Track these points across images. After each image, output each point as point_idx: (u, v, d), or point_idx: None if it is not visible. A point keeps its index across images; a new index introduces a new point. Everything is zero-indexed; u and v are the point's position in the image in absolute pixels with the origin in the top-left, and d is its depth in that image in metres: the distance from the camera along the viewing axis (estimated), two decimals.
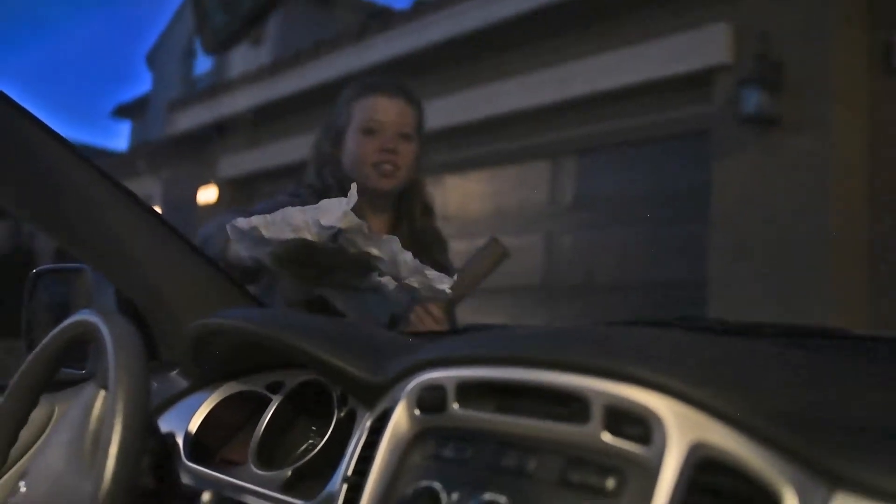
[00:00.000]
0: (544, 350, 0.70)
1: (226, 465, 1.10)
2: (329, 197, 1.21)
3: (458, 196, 7.13)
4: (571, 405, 0.64)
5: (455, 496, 0.68)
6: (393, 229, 1.77)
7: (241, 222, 1.25)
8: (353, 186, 1.18)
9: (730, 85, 5.01)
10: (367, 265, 1.20)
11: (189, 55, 13.63)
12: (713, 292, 4.97)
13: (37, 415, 1.18)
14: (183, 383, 1.27)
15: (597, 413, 0.63)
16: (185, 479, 1.04)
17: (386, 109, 1.76)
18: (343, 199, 1.15)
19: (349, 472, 0.82)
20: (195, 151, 10.21)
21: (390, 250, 1.17)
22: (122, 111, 18.05)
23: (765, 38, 4.80)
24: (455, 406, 0.73)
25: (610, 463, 0.61)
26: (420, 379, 0.77)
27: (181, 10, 14.12)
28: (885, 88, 4.64)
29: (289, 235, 1.17)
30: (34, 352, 0.95)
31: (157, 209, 1.57)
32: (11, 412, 0.95)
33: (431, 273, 1.21)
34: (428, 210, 1.85)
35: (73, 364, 1.37)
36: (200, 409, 1.17)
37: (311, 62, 8.40)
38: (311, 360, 0.99)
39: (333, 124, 1.80)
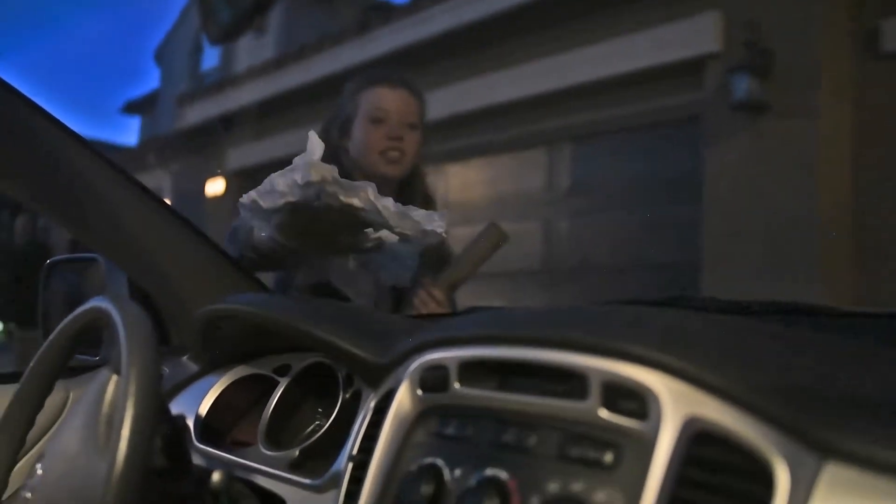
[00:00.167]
0: (543, 329, 0.70)
1: (235, 446, 1.11)
2: None
3: (459, 183, 7.13)
4: (570, 382, 0.64)
5: (458, 472, 0.68)
6: None
7: (244, 197, 1.24)
8: (312, 133, 1.16)
9: (720, 73, 5.00)
10: (355, 218, 1.18)
11: (196, 51, 13.61)
12: (706, 272, 4.97)
13: (52, 400, 1.18)
14: (193, 367, 1.27)
15: (594, 389, 0.62)
16: (197, 460, 1.04)
17: (392, 99, 1.78)
18: (307, 152, 1.14)
19: (355, 451, 0.82)
20: (203, 145, 10.20)
21: (368, 197, 1.15)
22: (132, 107, 18.02)
23: (754, 27, 4.78)
24: (457, 385, 0.73)
25: (607, 438, 0.61)
26: (422, 359, 0.77)
27: (188, 7, 14.09)
28: (871, 74, 4.63)
29: (279, 202, 1.16)
30: (49, 339, 0.95)
31: (168, 201, 1.56)
32: (28, 397, 0.95)
33: (418, 214, 1.19)
34: (428, 199, 1.85)
35: (87, 351, 1.37)
36: (210, 393, 1.17)
37: (315, 56, 8.38)
38: (317, 343, 0.99)
39: (340, 114, 1.80)
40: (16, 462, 0.96)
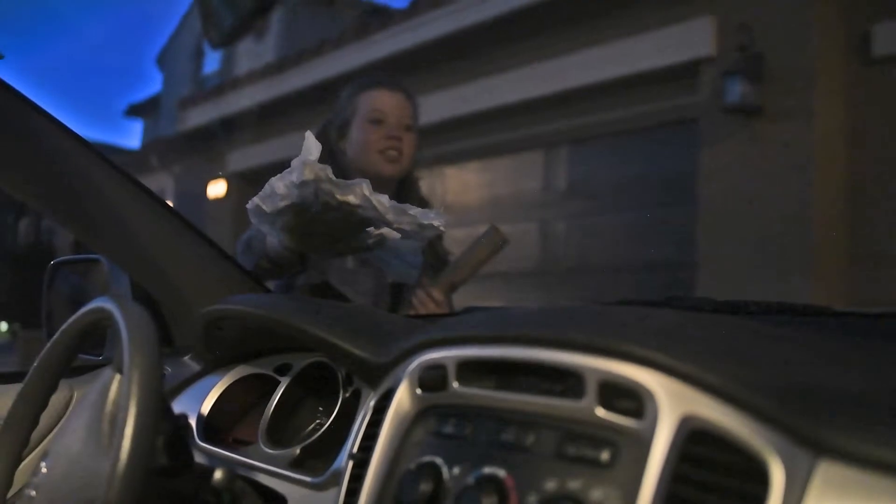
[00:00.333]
0: (541, 329, 0.70)
1: (237, 445, 1.11)
2: None
3: (457, 186, 7.12)
4: (567, 381, 0.64)
5: (456, 470, 0.68)
6: None
7: (250, 203, 1.24)
8: (309, 135, 1.16)
9: (714, 76, 5.00)
10: (353, 216, 1.19)
11: (198, 55, 13.60)
12: (701, 273, 4.97)
13: (57, 399, 1.18)
14: (196, 367, 1.27)
15: (591, 389, 0.62)
16: (199, 458, 1.04)
17: (390, 102, 1.80)
18: (303, 153, 1.14)
19: (355, 449, 0.82)
20: (205, 147, 10.19)
21: (363, 193, 1.16)
22: (135, 110, 18.02)
23: (747, 31, 4.78)
24: (455, 384, 0.73)
25: (604, 436, 0.61)
26: (421, 359, 0.77)
27: (189, 13, 14.09)
28: (863, 77, 4.63)
29: (280, 204, 1.16)
30: (52, 339, 0.95)
31: (170, 202, 1.57)
32: (32, 396, 0.95)
33: (415, 210, 1.19)
34: (424, 202, 1.87)
35: (91, 350, 1.37)
36: (212, 392, 1.17)
37: (314, 60, 8.37)
38: (318, 343, 0.99)
39: (338, 116, 1.82)
40: (20, 460, 0.95)
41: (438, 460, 0.70)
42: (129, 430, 0.68)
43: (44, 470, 0.88)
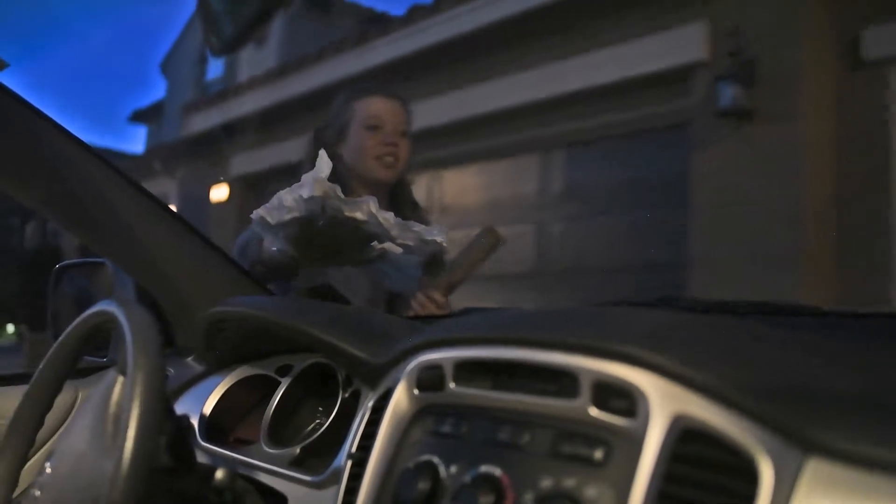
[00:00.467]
0: (536, 330, 0.70)
1: (238, 444, 1.11)
2: None
3: (455, 188, 7.13)
4: (561, 381, 0.64)
5: (453, 469, 0.68)
6: None
7: (254, 214, 1.26)
8: (322, 154, 1.18)
9: (707, 81, 5.01)
10: (359, 231, 1.20)
11: (201, 62, 13.60)
12: (694, 273, 4.97)
13: (62, 400, 1.18)
14: (198, 368, 1.27)
15: (585, 389, 0.63)
16: (201, 458, 1.04)
17: (387, 109, 1.81)
18: (315, 170, 1.16)
19: (354, 449, 0.82)
20: (208, 152, 10.19)
21: (370, 211, 1.17)
22: (139, 116, 18.01)
23: (738, 37, 4.79)
24: (452, 385, 0.73)
25: (598, 435, 0.61)
26: (419, 360, 0.77)
27: (193, 20, 14.08)
28: (851, 81, 4.64)
29: (286, 217, 1.18)
30: (58, 341, 0.95)
31: (173, 207, 1.57)
32: (37, 397, 0.95)
33: (419, 227, 1.22)
34: (415, 204, 1.88)
35: (96, 352, 1.37)
36: (214, 392, 1.17)
37: (315, 66, 8.38)
38: (318, 344, 0.99)
39: (334, 122, 1.82)
40: (26, 460, 0.95)
41: (436, 459, 0.70)
42: (132, 431, 0.68)
43: (49, 470, 0.88)
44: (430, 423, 0.74)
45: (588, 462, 0.60)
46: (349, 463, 0.81)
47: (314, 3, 11.34)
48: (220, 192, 9.76)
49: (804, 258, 4.57)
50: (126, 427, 0.69)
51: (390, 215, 1.21)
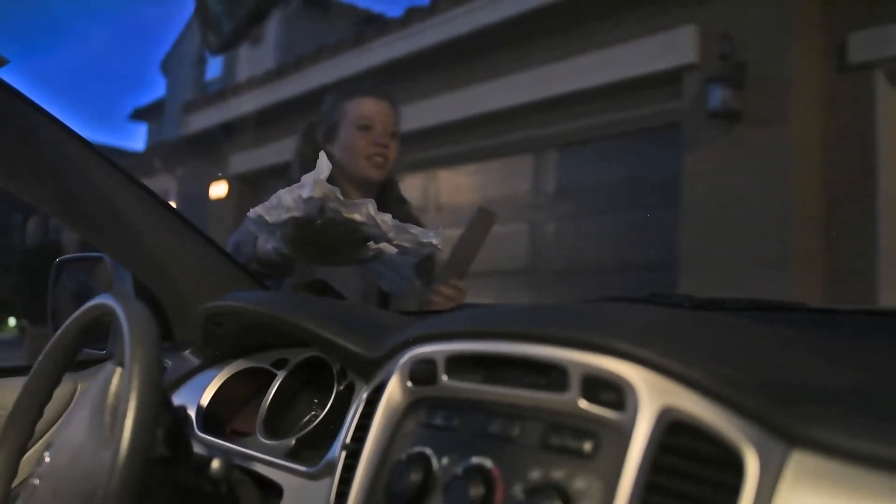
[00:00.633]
0: (527, 325, 0.70)
1: (235, 436, 1.10)
2: None
3: (450, 188, 7.13)
4: (551, 375, 0.64)
5: (445, 460, 0.68)
6: None
7: (251, 213, 1.26)
8: (322, 155, 1.19)
9: (697, 83, 5.01)
10: (356, 232, 1.21)
11: (200, 61, 13.58)
12: (683, 272, 4.98)
13: (61, 392, 1.18)
14: (195, 361, 1.27)
15: (575, 382, 0.63)
16: (198, 449, 1.04)
17: (378, 110, 1.82)
18: (315, 171, 1.17)
19: (348, 440, 0.82)
20: (207, 150, 10.17)
21: (368, 213, 1.18)
22: (139, 114, 17.99)
23: (729, 40, 4.79)
24: (444, 378, 0.73)
25: (587, 427, 0.61)
26: (412, 353, 0.77)
27: (192, 20, 14.05)
28: (839, 84, 4.65)
29: (284, 216, 1.18)
30: (56, 334, 0.94)
31: (173, 203, 1.57)
32: (36, 389, 0.95)
33: (415, 229, 1.22)
34: (403, 200, 1.89)
35: (95, 345, 1.37)
36: (211, 385, 1.17)
37: (312, 67, 8.36)
38: (313, 338, 0.99)
39: (324, 121, 1.82)
40: (25, 451, 0.95)
41: (428, 451, 0.70)
42: (129, 422, 0.68)
43: (48, 460, 0.88)
44: (423, 415, 0.74)
45: (577, 454, 0.61)
46: (343, 454, 0.81)
47: (312, 4, 11.33)
48: (219, 190, 9.75)
49: (793, 257, 4.58)
50: (123, 418, 0.69)
51: (388, 217, 1.22)
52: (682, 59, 5.13)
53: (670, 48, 5.19)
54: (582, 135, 6.03)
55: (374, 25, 8.23)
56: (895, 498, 0.46)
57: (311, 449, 0.96)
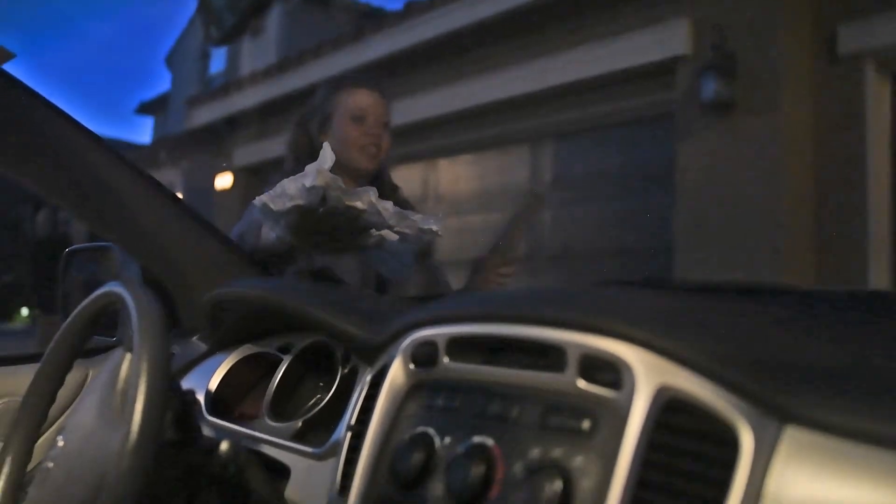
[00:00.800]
0: (525, 308, 0.70)
1: (242, 419, 1.11)
2: None
3: (449, 178, 7.12)
4: (550, 356, 0.64)
5: (447, 440, 0.69)
6: None
7: (257, 201, 1.26)
8: (326, 146, 1.19)
9: (690, 74, 5.00)
10: (358, 220, 1.21)
11: (204, 56, 13.54)
12: (678, 257, 4.98)
13: (72, 378, 1.18)
14: (203, 347, 1.27)
15: (572, 362, 0.63)
16: (207, 432, 1.04)
17: (371, 101, 1.81)
18: (319, 161, 1.17)
19: (352, 422, 0.82)
20: (212, 143, 10.16)
21: (369, 200, 1.18)
22: (145, 108, 17.94)
23: (720, 31, 4.78)
24: (446, 360, 0.73)
25: (585, 407, 0.61)
26: (414, 337, 0.77)
27: (195, 16, 14.00)
28: (828, 74, 4.63)
29: (288, 204, 1.18)
30: (67, 322, 0.94)
31: (179, 195, 1.57)
32: (49, 375, 0.95)
33: (416, 216, 1.23)
34: (395, 187, 1.89)
35: (106, 332, 1.37)
36: (219, 370, 1.17)
37: (313, 61, 8.34)
38: (317, 324, 0.99)
39: (318, 112, 1.82)
40: (39, 435, 0.95)
41: (431, 431, 0.70)
42: (139, 406, 0.68)
43: (60, 444, 0.88)
44: (425, 397, 0.74)
45: (576, 433, 0.61)
46: (348, 435, 0.81)
47: None
48: (224, 181, 9.74)
49: (784, 241, 4.58)
50: (133, 402, 0.69)
51: (389, 205, 1.22)
52: (675, 50, 5.12)
53: (663, 40, 5.18)
54: (578, 125, 6.02)
55: (373, 19, 8.21)
56: (883, 471, 0.46)
57: (316, 431, 0.96)
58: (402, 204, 1.82)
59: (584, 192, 6.00)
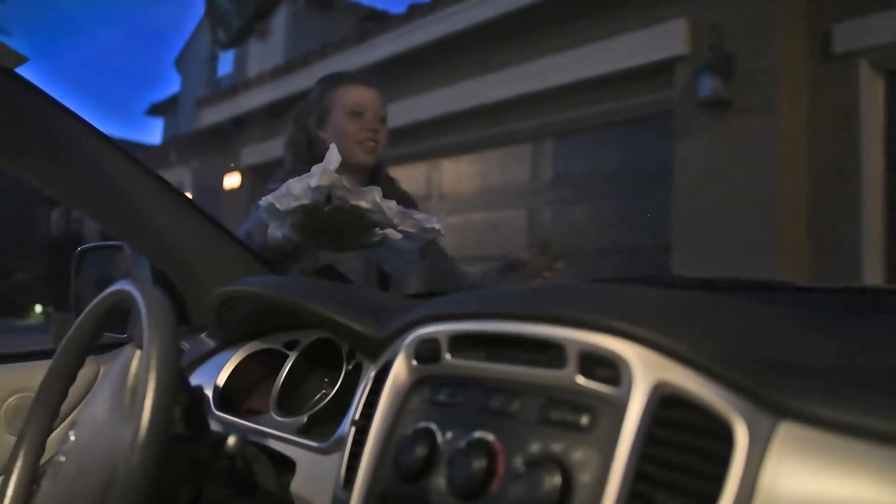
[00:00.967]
0: (526, 305, 0.70)
1: (250, 414, 1.11)
2: None
3: (452, 176, 7.12)
4: (550, 352, 0.64)
5: (449, 435, 0.69)
6: None
7: (263, 200, 1.26)
8: (333, 147, 1.19)
9: (688, 73, 4.99)
10: (362, 219, 1.21)
11: (212, 59, 13.55)
12: (676, 254, 4.97)
13: (84, 373, 1.18)
14: (211, 344, 1.27)
15: (572, 359, 0.62)
16: (215, 426, 1.04)
17: (368, 97, 1.80)
18: (325, 161, 1.17)
19: (356, 417, 0.82)
20: (220, 143, 10.17)
21: (374, 199, 1.18)
22: (155, 109, 17.96)
23: (717, 32, 4.77)
24: (448, 356, 0.73)
25: (584, 402, 0.61)
26: (417, 333, 0.77)
27: (204, 20, 14.01)
28: (823, 73, 4.62)
29: (294, 204, 1.18)
30: (78, 319, 0.94)
31: (188, 194, 1.57)
32: (61, 371, 0.95)
33: (419, 215, 1.23)
34: (392, 180, 1.88)
35: (117, 329, 1.37)
36: (227, 366, 1.17)
37: (318, 62, 8.34)
38: (323, 321, 0.99)
39: (315, 108, 1.81)
40: (51, 430, 0.95)
41: (433, 426, 0.70)
42: (148, 401, 0.68)
43: (72, 438, 0.88)
44: (428, 392, 0.74)
45: (575, 427, 0.61)
46: (353, 430, 0.81)
47: (317, 2, 11.28)
48: (232, 180, 9.75)
49: (779, 238, 4.58)
50: (143, 398, 0.69)
51: (393, 204, 1.22)
52: (673, 50, 5.11)
53: (662, 40, 5.17)
54: (578, 124, 6.02)
55: (377, 22, 8.20)
56: (876, 466, 0.46)
57: (322, 425, 0.96)
58: (400, 195, 1.82)
59: (583, 190, 6.00)
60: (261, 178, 9.20)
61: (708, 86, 4.75)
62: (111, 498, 0.66)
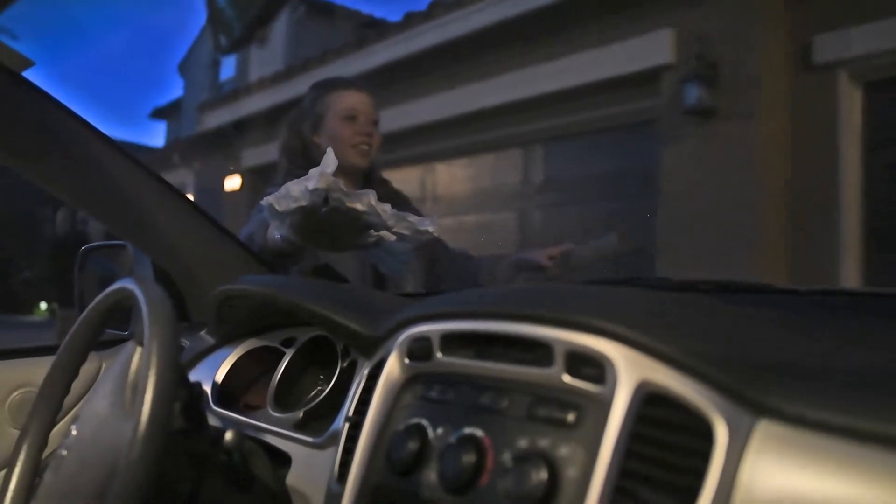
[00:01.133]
0: (515, 305, 0.70)
1: (247, 409, 1.10)
2: None
3: (446, 180, 7.12)
4: (538, 352, 0.64)
5: (440, 431, 0.69)
6: None
7: (264, 201, 1.26)
8: (330, 151, 1.19)
9: (673, 82, 5.00)
10: (358, 220, 1.21)
11: (215, 64, 13.52)
12: (661, 257, 4.98)
13: (87, 369, 1.18)
14: (210, 341, 1.26)
15: (559, 358, 0.63)
16: (213, 421, 1.04)
17: (362, 101, 1.80)
18: (322, 165, 1.17)
19: (351, 413, 0.82)
20: (222, 146, 10.15)
21: (369, 202, 1.19)
22: (159, 113, 17.91)
23: (702, 42, 4.78)
24: (439, 355, 0.73)
25: (570, 400, 0.61)
26: (409, 332, 0.77)
27: (206, 26, 13.98)
28: (804, 83, 4.64)
29: (293, 206, 1.18)
30: (82, 316, 0.94)
31: (191, 196, 1.57)
32: (64, 367, 0.94)
33: (413, 218, 1.23)
34: (385, 181, 1.88)
35: (119, 326, 1.37)
36: (225, 362, 1.17)
37: (318, 68, 8.33)
38: (319, 319, 0.99)
39: (309, 113, 1.80)
40: (54, 424, 0.95)
41: (424, 422, 0.70)
42: (148, 397, 0.68)
43: (74, 432, 0.88)
44: (420, 389, 0.74)
45: (561, 424, 0.61)
46: (347, 426, 0.81)
47: (317, 9, 11.27)
48: (233, 182, 9.73)
49: (760, 242, 4.59)
50: (143, 393, 0.68)
51: (387, 207, 1.22)
52: (660, 59, 5.12)
53: (648, 50, 5.18)
54: (567, 130, 6.03)
55: (375, 29, 8.20)
56: (852, 463, 0.46)
57: (317, 421, 0.96)
58: (394, 194, 1.82)
59: (572, 194, 6.00)
60: (261, 180, 9.18)
61: (693, 94, 4.76)
62: (112, 491, 0.66)
